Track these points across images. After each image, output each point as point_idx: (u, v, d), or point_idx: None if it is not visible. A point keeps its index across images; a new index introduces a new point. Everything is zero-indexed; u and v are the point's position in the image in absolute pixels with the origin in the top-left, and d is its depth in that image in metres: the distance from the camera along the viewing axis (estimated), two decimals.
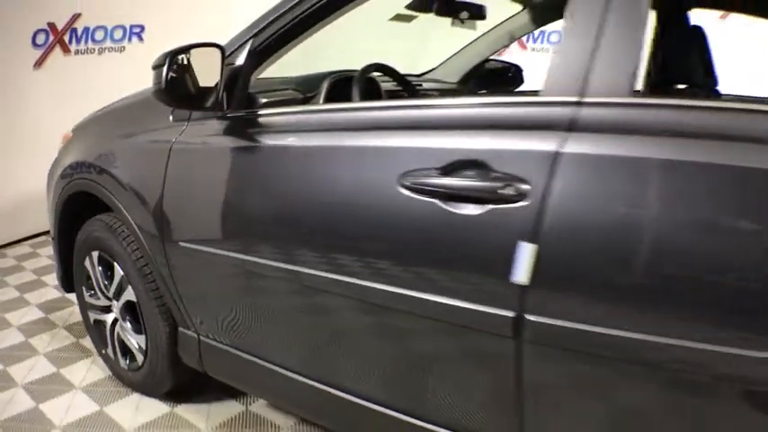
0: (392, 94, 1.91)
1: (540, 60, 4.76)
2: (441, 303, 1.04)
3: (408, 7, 1.89)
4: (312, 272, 1.26)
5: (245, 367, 1.56)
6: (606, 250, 0.89)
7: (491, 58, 2.53)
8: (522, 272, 0.92)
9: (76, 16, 3.62)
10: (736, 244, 0.81)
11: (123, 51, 3.89)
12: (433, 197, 1.03)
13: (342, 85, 1.64)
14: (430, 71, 2.56)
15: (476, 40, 2.45)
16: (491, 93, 2.23)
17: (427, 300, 1.06)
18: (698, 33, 1.60)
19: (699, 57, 1.84)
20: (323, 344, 1.38)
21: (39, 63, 3.49)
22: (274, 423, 1.87)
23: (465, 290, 1.01)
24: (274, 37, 1.41)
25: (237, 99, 1.45)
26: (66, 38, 3.60)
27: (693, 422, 0.90)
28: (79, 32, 3.66)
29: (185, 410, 1.94)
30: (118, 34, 3.86)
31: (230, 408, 1.96)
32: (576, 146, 0.91)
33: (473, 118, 1.08)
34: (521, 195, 0.93)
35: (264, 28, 1.42)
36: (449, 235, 1.02)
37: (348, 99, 1.62)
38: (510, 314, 0.96)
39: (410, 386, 1.23)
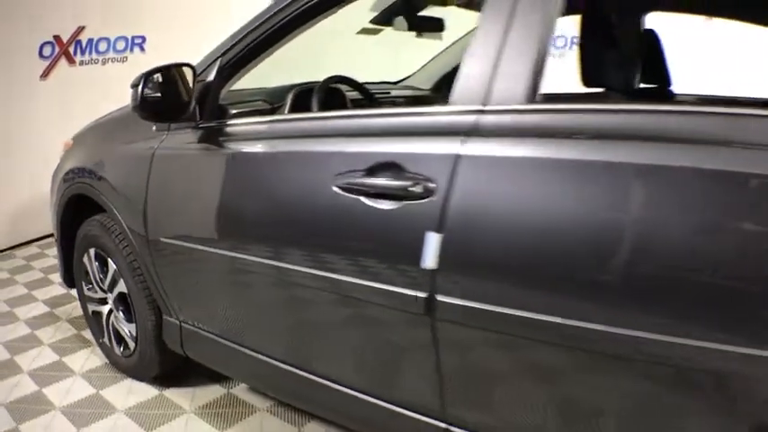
0: (356, 103, 2.09)
1: None
2: (371, 287, 1.22)
3: (372, 22, 2.07)
4: (270, 262, 1.44)
5: (219, 350, 1.75)
6: (501, 239, 1.06)
7: None
8: (430, 258, 1.10)
9: (81, 29, 3.85)
10: (609, 228, 0.96)
11: (126, 61, 4.11)
12: (358, 195, 1.20)
13: (305, 97, 1.82)
14: (405, 79, 2.73)
15: (447, 48, 2.62)
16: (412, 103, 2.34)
17: (359, 284, 1.24)
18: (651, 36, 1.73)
19: (650, 59, 2.00)
20: (280, 326, 1.56)
21: (45, 74, 3.72)
22: (252, 404, 2.06)
23: (388, 275, 1.19)
24: (239, 55, 1.60)
25: (209, 111, 1.64)
26: (72, 49, 3.83)
27: (571, 386, 1.06)
28: (83, 44, 3.89)
29: (172, 393, 2.13)
30: (120, 45, 4.09)
31: (213, 391, 2.14)
32: (475, 149, 1.08)
33: (393, 126, 1.26)
34: (428, 192, 1.11)
35: (231, 48, 1.61)
36: (372, 227, 1.20)
37: (310, 109, 1.80)
38: (423, 295, 1.14)
39: (355, 364, 1.41)
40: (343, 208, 1.23)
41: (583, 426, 1.06)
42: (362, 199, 1.20)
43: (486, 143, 1.08)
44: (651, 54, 2.21)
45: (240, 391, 2.14)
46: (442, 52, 2.69)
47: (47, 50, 3.71)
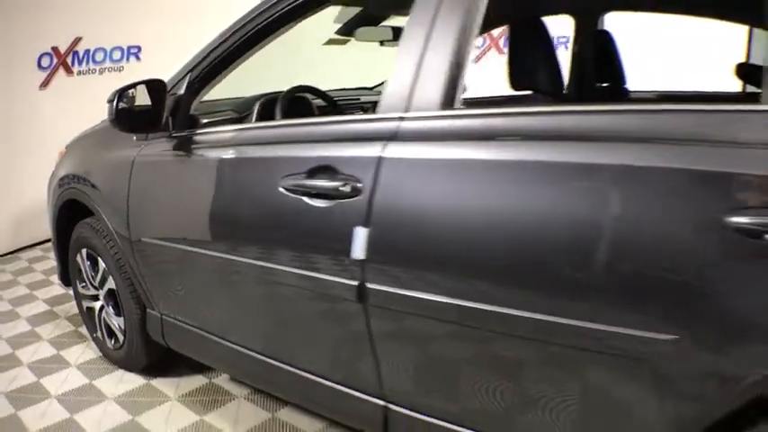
0: (322, 110, 2.25)
1: None
2: (314, 278, 1.38)
3: (338, 33, 2.23)
4: (231, 257, 1.62)
5: (193, 339, 1.93)
6: (419, 232, 1.21)
7: None
8: (359, 250, 1.25)
9: (77, 40, 4.05)
10: (512, 221, 1.10)
11: (122, 71, 4.31)
12: (301, 195, 1.37)
13: (270, 106, 1.98)
14: (381, 84, 2.89)
15: None
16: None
17: (304, 275, 1.40)
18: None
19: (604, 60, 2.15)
20: (241, 316, 1.74)
21: (44, 84, 3.93)
22: (230, 392, 2.23)
23: (327, 266, 1.35)
24: (207, 70, 1.77)
25: (181, 121, 1.81)
26: (69, 60, 4.04)
27: (484, 363, 1.21)
28: (81, 55, 4.09)
29: (159, 383, 2.31)
30: (116, 55, 4.29)
31: (197, 381, 2.32)
32: (395, 152, 1.24)
33: (331, 132, 1.42)
34: (356, 191, 1.27)
35: (199, 63, 1.78)
36: (312, 224, 1.36)
37: (274, 118, 1.97)
38: (354, 283, 1.30)
39: (305, 348, 1.58)
40: (288, 207, 1.40)
41: (500, 398, 1.21)
42: (304, 198, 1.36)
43: (404, 146, 1.24)
44: (604, 55, 2.36)
45: (221, 380, 2.31)
46: None
47: (45, 61, 3.91)
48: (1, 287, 3.42)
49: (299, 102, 2.10)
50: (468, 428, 1.26)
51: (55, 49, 3.95)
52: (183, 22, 4.49)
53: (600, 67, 2.33)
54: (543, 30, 1.58)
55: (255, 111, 1.97)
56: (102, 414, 2.11)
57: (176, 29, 4.41)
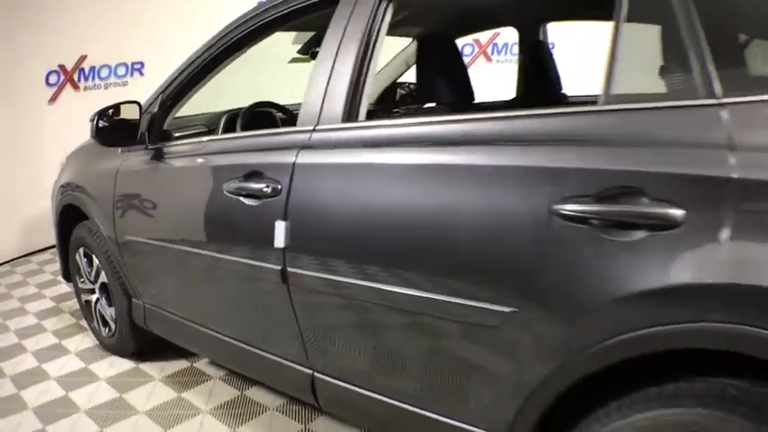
0: (284, 122, 2.57)
1: (504, 71, 5.15)
2: (252, 264, 1.69)
3: (299, 53, 2.54)
4: (193, 250, 1.93)
5: (168, 322, 2.25)
6: (326, 224, 1.51)
7: (399, 81, 3.17)
8: (280, 240, 1.56)
9: (83, 57, 4.44)
10: (397, 213, 1.37)
11: (127, 86, 4.68)
12: (239, 196, 1.67)
13: (234, 120, 2.30)
14: None
15: (382, 69, 3.08)
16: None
17: (245, 263, 1.71)
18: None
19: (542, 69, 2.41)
20: (203, 300, 2.05)
21: (53, 99, 4.32)
22: (208, 374, 2.55)
23: (260, 254, 1.65)
24: (175, 91, 2.10)
25: (155, 136, 2.14)
26: (76, 76, 4.42)
27: (385, 334, 1.50)
28: (86, 71, 4.48)
29: (146, 366, 2.64)
30: (121, 71, 4.67)
31: (179, 364, 2.64)
32: (306, 158, 1.54)
33: (264, 143, 1.73)
34: (276, 192, 1.57)
35: (168, 86, 2.11)
36: (247, 220, 1.67)
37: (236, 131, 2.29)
38: (278, 268, 1.60)
39: (248, 326, 1.89)
40: (230, 206, 1.71)
41: (389, 360, 1.50)
42: (241, 198, 1.67)
43: (314, 154, 1.54)
44: (540, 64, 2.63)
45: (201, 364, 2.63)
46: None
47: (53, 78, 4.30)
48: (12, 287, 3.80)
49: (263, 116, 2.42)
50: (371, 391, 1.55)
51: (62, 66, 4.34)
52: (183, 38, 4.79)
53: (539, 75, 2.61)
54: (450, 46, 1.86)
55: (221, 125, 2.30)
56: (93, 392, 2.45)
57: (177, 44, 4.71)
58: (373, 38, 1.52)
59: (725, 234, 0.94)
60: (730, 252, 0.94)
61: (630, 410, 1.08)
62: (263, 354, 1.84)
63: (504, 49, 5.63)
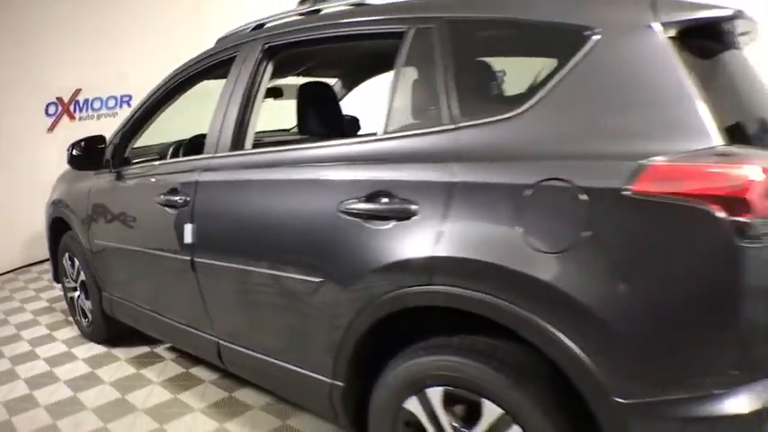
0: None
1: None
2: (174, 258, 2.34)
3: None
4: (136, 248, 2.61)
5: (126, 308, 2.92)
6: (217, 224, 2.15)
7: None
8: (188, 238, 2.22)
9: (78, 91, 5.20)
10: (254, 215, 2.01)
11: (116, 116, 5.40)
12: (165, 206, 2.33)
13: (179, 149, 2.99)
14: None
15: None
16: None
17: (168, 256, 2.37)
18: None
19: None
20: (147, 289, 2.72)
21: (51, 128, 5.07)
22: (163, 356, 3.20)
23: (177, 249, 2.29)
24: (130, 127, 2.79)
25: (117, 161, 2.82)
26: (72, 108, 5.18)
27: (253, 301, 2.13)
28: (81, 103, 5.23)
29: (116, 350, 3.30)
30: (111, 103, 5.42)
31: (143, 349, 3.30)
32: (204, 177, 2.19)
33: (181, 167, 2.38)
34: (186, 203, 2.22)
35: (126, 123, 2.80)
36: (169, 223, 2.31)
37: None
38: (188, 258, 2.26)
39: (174, 305, 2.54)
40: (159, 214, 2.37)
41: (265, 327, 2.13)
42: (166, 208, 2.34)
43: (210, 174, 2.19)
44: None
45: (160, 349, 3.29)
46: None
47: (51, 109, 5.06)
48: (14, 291, 4.53)
49: (200, 144, 3.10)
50: (251, 350, 2.16)
51: (59, 98, 5.11)
52: (166, 73, 5.60)
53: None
54: (326, 90, 2.45)
55: (170, 152, 2.99)
56: (73, 368, 3.11)
57: (161, 79, 5.53)
58: (255, 88, 2.18)
59: (446, 221, 1.47)
60: (450, 234, 1.47)
61: (416, 355, 1.58)
62: (187, 328, 2.48)
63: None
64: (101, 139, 2.82)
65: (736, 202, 1.17)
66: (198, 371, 2.99)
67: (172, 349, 3.26)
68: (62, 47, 5.00)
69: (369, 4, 2.01)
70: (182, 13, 5.60)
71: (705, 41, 1.44)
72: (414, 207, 1.53)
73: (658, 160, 1.23)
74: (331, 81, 3.16)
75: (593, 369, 1.29)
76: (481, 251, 1.40)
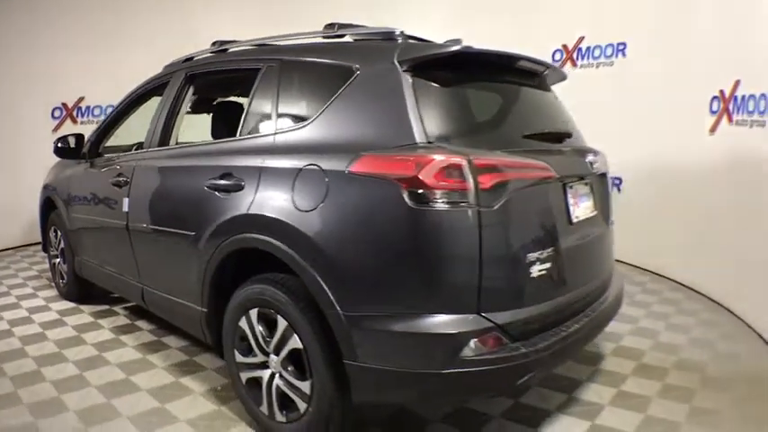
0: None
1: (588, 75, 5.53)
2: (117, 223, 3.30)
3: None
4: (96, 218, 3.57)
5: (89, 267, 3.87)
6: (145, 196, 3.07)
7: None
8: (125, 208, 3.18)
9: (81, 98, 6.26)
10: (167, 192, 2.93)
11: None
12: (114, 186, 3.29)
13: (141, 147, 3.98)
14: None
15: None
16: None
17: (113, 222, 3.33)
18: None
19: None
20: (104, 250, 3.67)
21: (55, 129, 6.11)
22: (118, 312, 4.13)
23: (118, 216, 3.24)
24: (103, 128, 3.79)
25: (92, 154, 3.80)
26: (74, 113, 6.24)
27: (159, 253, 3.04)
28: (83, 110, 6.28)
29: (84, 307, 4.23)
30: (109, 111, 6.44)
31: (103, 307, 4.25)
32: (140, 164, 3.14)
33: (129, 158, 3.35)
34: (126, 183, 3.18)
35: (101, 124, 3.81)
36: (114, 198, 3.27)
37: None
38: (124, 223, 3.20)
39: (117, 261, 3.48)
40: (111, 191, 3.32)
41: (163, 272, 3.02)
42: (114, 187, 3.31)
43: (144, 161, 3.12)
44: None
45: (118, 307, 4.24)
46: None
47: (57, 113, 6.13)
48: (12, 263, 5.54)
49: None
50: (157, 291, 3.08)
51: (64, 104, 6.18)
52: None
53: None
54: (232, 105, 3.41)
55: (133, 149, 3.97)
56: (45, 315, 4.04)
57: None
58: (179, 104, 3.14)
59: (257, 192, 2.32)
60: (257, 200, 2.30)
61: (245, 287, 2.41)
62: (123, 278, 3.42)
63: (587, 54, 5.60)
64: (81, 136, 3.83)
65: (410, 179, 1.86)
66: (146, 325, 3.94)
67: (127, 308, 4.22)
68: (70, 58, 6.04)
69: (246, 49, 2.93)
70: (180, 33, 6.61)
71: (445, 71, 2.11)
72: (242, 183, 2.41)
73: (369, 152, 1.99)
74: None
75: (327, 290, 2.01)
76: (271, 210, 2.25)
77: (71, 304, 4.32)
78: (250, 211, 2.34)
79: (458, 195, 1.86)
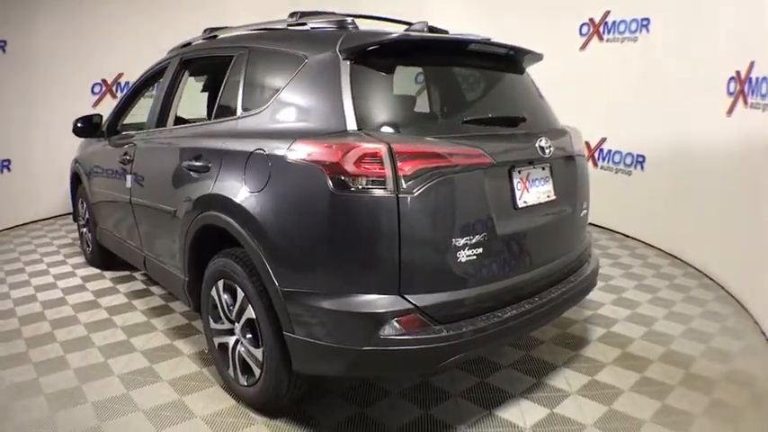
0: None
1: (612, 49, 5.60)
2: (120, 196, 3.68)
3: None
4: (111, 193, 3.96)
5: (107, 236, 4.28)
6: (146, 173, 3.39)
7: None
8: (129, 184, 3.54)
9: (120, 74, 6.73)
10: (156, 168, 3.24)
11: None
12: (120, 163, 3.66)
13: None
14: None
15: None
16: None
17: (119, 196, 3.70)
18: None
19: None
20: (120, 223, 4.04)
21: (95, 104, 6.61)
22: (137, 278, 4.54)
23: (123, 192, 3.61)
24: (120, 108, 4.16)
25: (111, 132, 4.17)
26: (114, 89, 6.72)
27: (154, 226, 3.36)
28: (122, 85, 6.74)
29: (107, 273, 4.65)
30: None
31: (124, 273, 4.67)
32: (141, 144, 3.49)
33: (135, 138, 3.70)
34: (130, 161, 3.53)
35: (118, 104, 4.17)
36: (120, 174, 3.64)
37: None
38: (128, 197, 3.56)
39: (127, 233, 3.87)
40: (119, 169, 3.69)
41: (159, 243, 3.31)
42: (120, 164, 3.68)
43: (144, 142, 3.46)
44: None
45: (137, 273, 4.67)
46: None
47: (97, 89, 6.61)
48: (49, 231, 6.10)
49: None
50: (156, 260, 3.44)
51: (104, 80, 6.65)
52: None
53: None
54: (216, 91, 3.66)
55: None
56: (71, 283, 4.49)
57: None
58: (176, 86, 3.44)
59: (218, 173, 2.57)
60: (217, 181, 2.55)
61: (216, 259, 2.69)
62: (131, 246, 3.80)
63: (612, 29, 5.62)
64: (99, 116, 4.23)
65: (333, 165, 2.03)
66: (157, 290, 4.35)
67: (143, 273, 4.63)
68: (110, 35, 6.47)
69: (228, 36, 3.18)
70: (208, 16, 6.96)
71: (390, 59, 2.26)
72: (209, 165, 2.68)
73: (303, 139, 2.17)
74: None
75: (268, 267, 2.23)
76: (226, 190, 2.50)
77: (96, 270, 4.78)
78: (212, 191, 2.60)
79: (377, 182, 2.02)
